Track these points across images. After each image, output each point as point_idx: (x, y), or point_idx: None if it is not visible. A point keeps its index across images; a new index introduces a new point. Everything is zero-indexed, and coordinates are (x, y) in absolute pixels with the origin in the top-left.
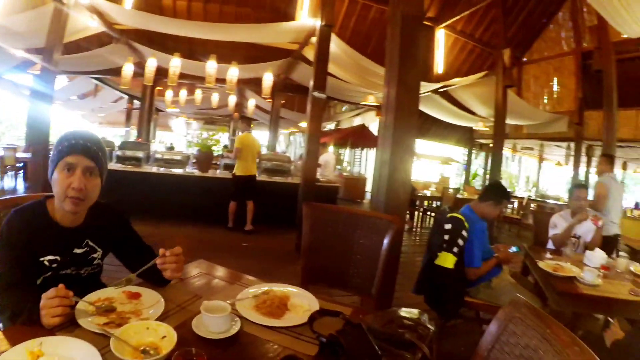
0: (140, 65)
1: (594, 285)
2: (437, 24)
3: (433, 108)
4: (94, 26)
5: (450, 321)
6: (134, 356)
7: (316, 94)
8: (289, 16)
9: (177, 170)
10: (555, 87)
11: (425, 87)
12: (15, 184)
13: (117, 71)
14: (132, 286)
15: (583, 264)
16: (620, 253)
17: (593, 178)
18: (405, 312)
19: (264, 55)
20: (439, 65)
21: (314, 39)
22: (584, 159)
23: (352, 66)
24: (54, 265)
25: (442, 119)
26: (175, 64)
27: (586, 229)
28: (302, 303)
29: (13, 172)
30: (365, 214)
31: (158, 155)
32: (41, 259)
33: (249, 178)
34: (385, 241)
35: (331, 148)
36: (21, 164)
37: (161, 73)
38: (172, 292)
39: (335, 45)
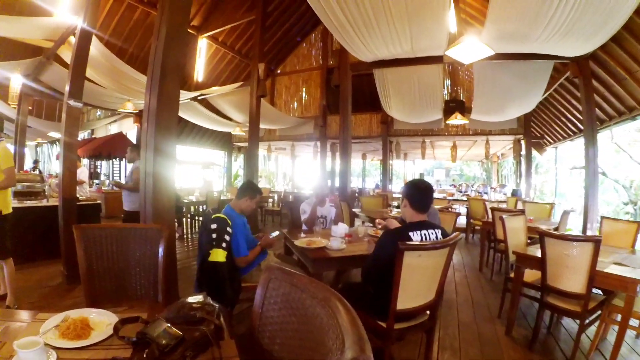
0: None
1: (340, 249)
2: (200, 33)
3: (193, 115)
4: None
5: (234, 307)
6: None
7: (72, 102)
8: (44, 9)
9: None
10: (304, 96)
11: (186, 94)
12: None
13: None
14: None
15: (331, 236)
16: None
17: (337, 168)
18: (191, 299)
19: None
20: (199, 73)
21: (72, 39)
22: (329, 154)
23: (110, 70)
24: None
25: (201, 125)
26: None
27: (328, 209)
28: (102, 319)
29: None
30: (135, 227)
31: None
32: None
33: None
34: (160, 249)
35: (85, 161)
36: None
37: None
38: None
39: (95, 47)
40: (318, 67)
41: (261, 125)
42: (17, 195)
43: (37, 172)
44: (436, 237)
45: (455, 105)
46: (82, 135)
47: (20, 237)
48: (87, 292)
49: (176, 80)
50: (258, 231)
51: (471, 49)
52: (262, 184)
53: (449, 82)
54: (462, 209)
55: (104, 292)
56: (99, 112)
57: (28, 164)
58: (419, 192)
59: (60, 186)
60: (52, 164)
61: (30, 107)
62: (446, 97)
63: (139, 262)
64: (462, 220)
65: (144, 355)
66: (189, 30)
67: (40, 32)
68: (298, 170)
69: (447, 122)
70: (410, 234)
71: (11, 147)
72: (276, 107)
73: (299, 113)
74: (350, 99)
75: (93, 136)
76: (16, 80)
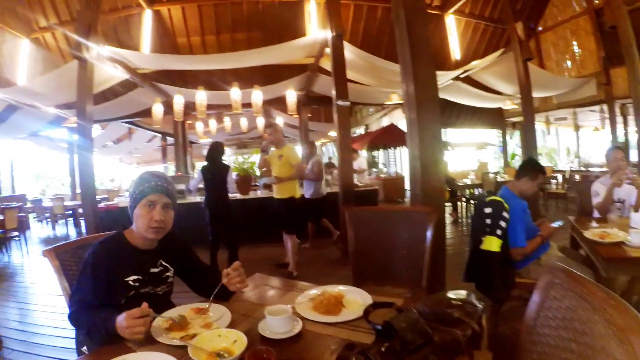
0: (168, 103)
1: None
2: (444, 11)
3: (458, 95)
4: (118, 75)
5: (504, 305)
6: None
7: (340, 102)
8: (299, 32)
9: None
10: (577, 51)
11: (445, 75)
12: (67, 230)
13: (147, 112)
14: (198, 303)
15: (630, 227)
16: None
17: (633, 138)
18: (452, 293)
19: (282, 73)
20: (455, 51)
21: (328, 50)
22: (619, 119)
23: (370, 69)
24: (137, 284)
25: (469, 104)
26: (201, 96)
27: (627, 191)
28: (357, 299)
29: (64, 220)
30: (402, 210)
31: (200, 185)
32: (126, 279)
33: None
34: (428, 233)
35: (364, 153)
36: (70, 212)
37: (189, 107)
38: (236, 304)
39: (349, 51)
40: (583, 11)
41: (534, 94)
42: None
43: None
44: None
45: None
46: (359, 130)
47: (304, 218)
48: (354, 268)
49: (428, 61)
50: (539, 217)
51: None
52: (542, 162)
53: None
54: None
55: (369, 270)
56: (370, 109)
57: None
58: None
59: (339, 175)
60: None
61: (309, 115)
62: None
63: (405, 244)
64: None
65: (382, 348)
66: (431, 11)
67: (301, 51)
68: (584, 144)
69: None
70: None
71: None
72: (547, 70)
73: (575, 72)
74: (634, 43)
75: (368, 130)
76: (291, 95)
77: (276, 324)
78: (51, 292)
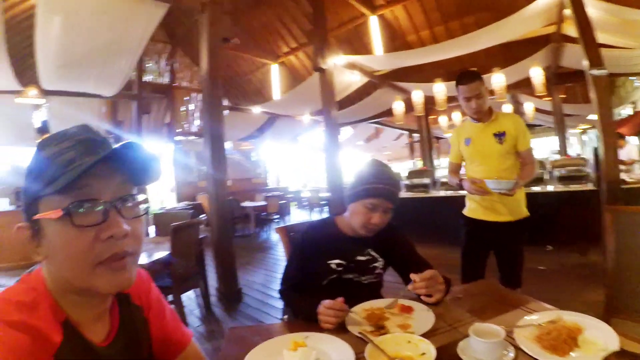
0: (409, 101)
1: None
2: None
3: None
4: (357, 79)
5: None
6: None
7: (595, 71)
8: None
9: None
10: None
11: None
12: (320, 216)
13: (390, 112)
14: (407, 300)
15: None
16: None
17: None
18: None
19: (523, 50)
20: None
21: (567, 11)
22: None
23: (626, 26)
24: (340, 268)
25: None
26: (438, 89)
27: None
28: (597, 339)
29: (319, 208)
30: None
31: (444, 179)
32: (328, 262)
33: None
34: None
35: (634, 140)
36: (324, 202)
37: (430, 102)
38: (446, 310)
39: (593, 7)
40: None
41: None
42: (562, 180)
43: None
44: None
45: None
46: (624, 111)
47: (559, 219)
48: (610, 292)
49: None
50: None
51: None
52: None
53: None
54: None
55: (632, 298)
56: (637, 82)
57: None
58: None
59: (604, 166)
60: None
61: (563, 96)
62: None
63: None
64: None
65: None
66: None
67: (535, 20)
68: None
69: None
70: None
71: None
72: None
73: None
74: None
75: (637, 110)
76: (536, 73)
77: (480, 348)
78: None
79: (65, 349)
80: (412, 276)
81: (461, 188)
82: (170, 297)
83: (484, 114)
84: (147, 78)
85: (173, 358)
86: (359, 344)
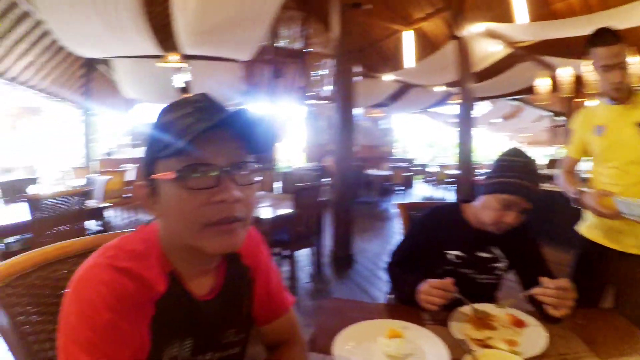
0: (553, 78)
1: None
2: None
3: None
4: (498, 50)
5: None
6: None
7: None
8: None
9: None
10: None
11: None
12: (444, 194)
13: (530, 89)
14: (520, 312)
15: None
16: None
17: None
18: None
19: None
20: None
21: None
22: None
23: None
24: (458, 261)
25: None
26: (589, 68)
27: None
28: None
29: (444, 185)
30: None
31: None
32: (445, 252)
33: None
34: None
35: None
36: (451, 179)
37: (580, 82)
38: (565, 335)
39: None
40: None
41: None
42: None
43: None
44: None
45: None
46: None
47: None
48: None
49: None
50: None
51: None
52: None
53: None
54: None
55: None
56: None
57: None
58: None
59: None
60: None
61: None
62: None
63: None
64: None
65: None
66: None
67: None
68: None
69: None
70: None
71: None
72: None
73: None
74: None
75: None
76: None
77: None
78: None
79: (167, 298)
80: (544, 280)
81: (578, 203)
82: (286, 252)
83: (624, 93)
84: (281, 43)
85: (270, 321)
86: (456, 347)
